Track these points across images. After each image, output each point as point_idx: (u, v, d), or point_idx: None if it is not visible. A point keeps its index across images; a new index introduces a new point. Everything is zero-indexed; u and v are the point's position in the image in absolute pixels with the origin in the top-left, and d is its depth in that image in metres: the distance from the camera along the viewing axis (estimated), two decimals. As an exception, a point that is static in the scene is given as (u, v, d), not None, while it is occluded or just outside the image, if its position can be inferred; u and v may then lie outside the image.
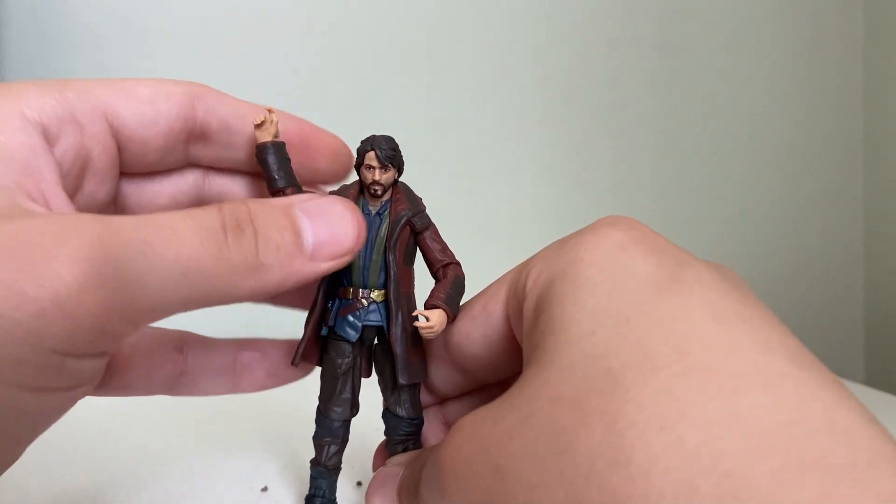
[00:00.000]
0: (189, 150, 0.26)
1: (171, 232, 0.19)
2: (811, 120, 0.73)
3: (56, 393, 0.18)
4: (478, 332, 0.25)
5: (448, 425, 0.29)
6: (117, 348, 0.19)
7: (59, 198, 0.21)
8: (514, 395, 0.19)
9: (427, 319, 0.24)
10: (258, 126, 0.25)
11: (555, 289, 0.21)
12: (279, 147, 0.25)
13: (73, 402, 0.19)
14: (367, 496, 0.25)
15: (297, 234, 0.22)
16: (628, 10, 0.70)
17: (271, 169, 0.25)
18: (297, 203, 0.22)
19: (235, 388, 0.28)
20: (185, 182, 0.27)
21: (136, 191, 0.26)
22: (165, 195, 0.27)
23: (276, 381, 0.28)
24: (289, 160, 0.25)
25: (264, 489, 0.32)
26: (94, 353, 0.18)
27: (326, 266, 0.22)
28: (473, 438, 0.19)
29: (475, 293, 0.26)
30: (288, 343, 0.29)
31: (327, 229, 0.22)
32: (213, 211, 0.20)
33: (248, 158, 0.27)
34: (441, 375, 0.27)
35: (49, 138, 0.22)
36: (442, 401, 0.29)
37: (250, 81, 0.65)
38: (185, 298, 0.19)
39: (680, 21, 0.71)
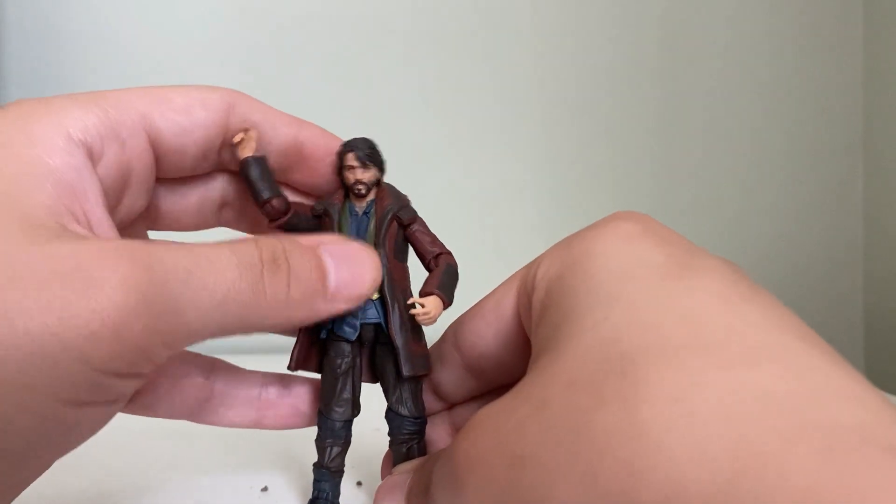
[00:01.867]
0: (220, 155, 0.26)
1: (212, 263, 0.20)
2: (811, 120, 0.73)
3: (94, 408, 0.19)
4: (490, 329, 0.25)
5: (456, 430, 0.29)
6: (153, 370, 0.20)
7: (101, 220, 0.21)
8: (528, 385, 0.19)
9: (423, 306, 0.24)
10: (237, 144, 0.25)
11: (565, 280, 0.21)
12: (261, 161, 0.26)
13: (108, 417, 0.20)
14: (376, 500, 0.25)
15: (323, 274, 0.23)
16: (628, 10, 0.70)
17: (255, 182, 0.25)
18: (324, 244, 0.24)
19: (258, 424, 0.28)
20: (213, 188, 0.28)
21: (166, 195, 0.27)
22: (194, 200, 0.28)
23: (300, 421, 0.28)
24: (271, 172, 0.26)
25: (264, 489, 0.32)
26: (133, 374, 0.19)
27: (343, 307, 0.24)
28: (489, 431, 0.19)
29: (472, 297, 0.26)
30: (315, 381, 0.28)
31: (348, 272, 0.24)
32: (251, 245, 0.21)
33: (276, 168, 0.27)
34: (451, 378, 0.27)
35: (93, 157, 0.22)
36: (450, 406, 0.29)
37: (248, 88, 0.65)
38: (219, 326, 0.20)
39: (679, 22, 0.71)
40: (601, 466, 0.16)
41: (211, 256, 0.20)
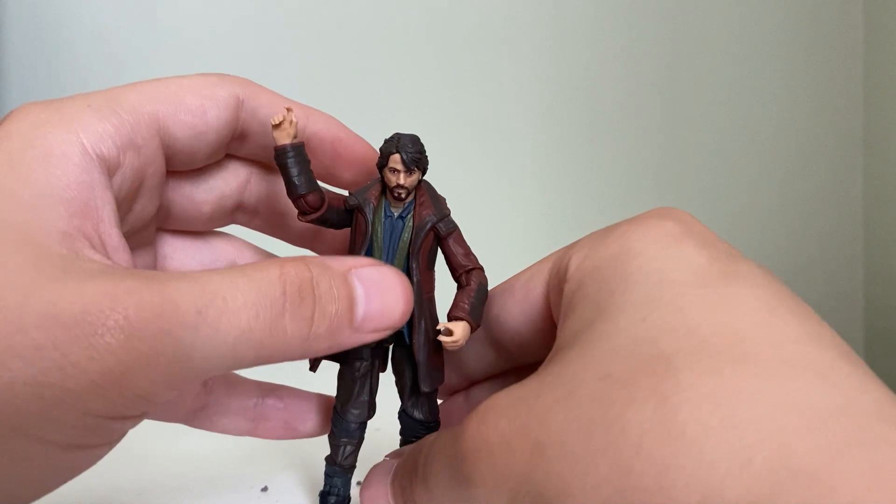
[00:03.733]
0: (229, 146, 0.26)
1: (227, 302, 0.18)
2: (811, 120, 0.73)
3: (90, 450, 0.19)
4: (518, 308, 0.25)
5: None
6: (154, 409, 0.19)
7: (115, 240, 0.21)
8: (554, 374, 0.19)
9: (451, 333, 0.24)
10: (276, 126, 0.24)
11: (602, 275, 0.21)
12: (298, 149, 0.24)
13: (102, 456, 0.20)
14: (361, 489, 0.25)
15: (351, 305, 0.21)
16: (631, 11, 0.70)
17: (291, 174, 0.24)
18: (356, 269, 0.22)
19: (251, 433, 0.28)
20: (229, 185, 0.27)
21: (181, 198, 0.26)
22: (211, 200, 0.27)
23: (293, 434, 0.28)
24: (308, 161, 0.24)
25: (264, 489, 0.32)
26: (134, 416, 0.19)
27: (369, 337, 0.22)
28: (510, 415, 0.19)
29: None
30: (310, 395, 0.29)
31: (379, 302, 0.22)
32: (274, 275, 0.20)
33: None
34: (474, 352, 0.27)
35: (109, 169, 0.21)
36: (469, 385, 0.28)
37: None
38: (230, 366, 0.19)
39: (681, 22, 0.71)
40: (635, 462, 0.15)
41: (226, 294, 0.19)
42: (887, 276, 0.71)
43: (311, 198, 0.24)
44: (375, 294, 0.22)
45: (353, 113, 0.65)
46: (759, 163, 0.73)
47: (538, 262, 0.25)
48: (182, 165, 0.25)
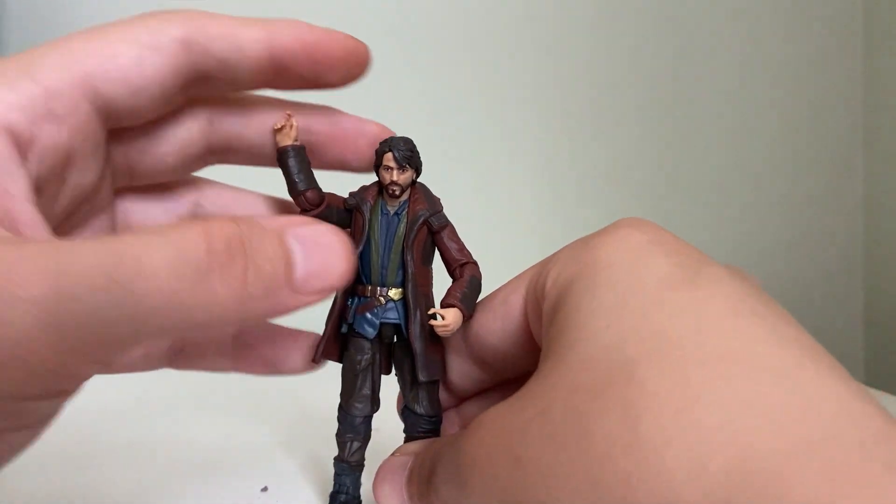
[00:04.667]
0: (188, 92, 0.23)
1: (140, 262, 0.16)
2: (811, 120, 0.73)
3: (11, 433, 0.18)
4: (497, 324, 0.25)
5: (465, 426, 0.29)
6: (80, 386, 0.18)
7: (27, 215, 0.19)
8: (532, 389, 0.19)
9: (443, 318, 0.24)
10: (278, 130, 0.25)
11: (573, 288, 0.21)
12: (299, 151, 0.25)
13: (29, 441, 0.18)
14: (375, 485, 0.25)
15: (288, 264, 0.19)
16: (631, 12, 0.70)
17: (292, 172, 0.25)
18: (292, 228, 0.20)
19: (235, 369, 0.27)
20: (191, 132, 0.25)
21: (140, 155, 0.24)
22: (173, 151, 0.25)
23: (275, 370, 0.27)
24: (308, 162, 0.26)
25: (264, 489, 0.32)
26: (55, 393, 0.17)
27: (310, 300, 0.20)
28: (493, 431, 0.19)
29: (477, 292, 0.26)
30: (294, 332, 0.28)
31: (319, 261, 0.20)
32: (197, 233, 0.18)
33: (253, 84, 0.24)
34: (458, 370, 0.27)
35: (21, 144, 0.19)
36: (459, 402, 0.29)
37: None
38: (158, 332, 0.18)
39: (680, 23, 0.71)
40: (601, 474, 0.16)
41: (138, 253, 0.17)
42: (887, 276, 0.71)
43: (310, 194, 0.25)
44: (315, 253, 0.20)
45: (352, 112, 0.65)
46: (759, 163, 0.73)
47: (515, 278, 0.26)
48: (129, 123, 0.23)
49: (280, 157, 0.25)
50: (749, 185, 0.73)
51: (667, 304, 0.18)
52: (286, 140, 0.25)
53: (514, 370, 0.27)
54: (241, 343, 0.27)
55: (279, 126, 0.25)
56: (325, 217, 0.26)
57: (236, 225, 0.19)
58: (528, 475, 0.17)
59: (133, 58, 0.21)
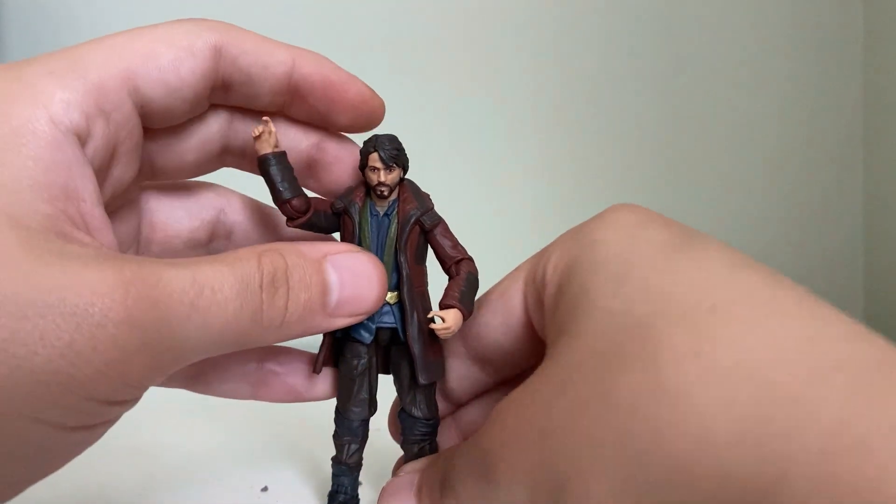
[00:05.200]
0: (211, 97, 0.25)
1: (215, 293, 0.19)
2: (811, 120, 0.73)
3: (91, 430, 0.19)
4: (497, 320, 0.25)
5: (462, 433, 0.29)
6: (142, 393, 0.20)
7: (97, 220, 0.20)
8: (548, 368, 0.20)
9: (443, 320, 0.24)
10: (256, 138, 0.24)
11: (574, 269, 0.21)
12: (280, 157, 0.25)
13: (101, 435, 0.20)
14: (382, 503, 0.25)
15: (324, 292, 0.22)
16: (631, 12, 0.70)
17: (275, 181, 0.25)
18: (330, 256, 0.23)
19: (254, 397, 0.28)
20: (211, 130, 0.26)
21: (161, 149, 0.25)
22: (193, 148, 0.26)
23: (297, 397, 0.28)
24: (291, 169, 0.25)
25: (264, 489, 0.32)
26: (131, 400, 0.19)
27: (341, 323, 0.23)
28: (516, 412, 0.20)
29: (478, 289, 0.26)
30: (311, 357, 0.28)
31: (353, 288, 0.23)
32: (252, 264, 0.20)
33: (270, 104, 0.25)
34: (457, 373, 0.27)
35: (81, 140, 0.20)
36: (455, 408, 0.29)
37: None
38: (213, 350, 0.20)
39: (679, 22, 0.71)
40: (630, 425, 0.16)
41: (213, 283, 0.19)
42: (887, 276, 0.71)
43: (296, 202, 0.25)
44: (350, 280, 0.23)
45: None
46: (759, 164, 0.73)
47: (511, 273, 0.26)
48: (159, 124, 0.24)
49: (261, 165, 0.24)
50: (749, 184, 0.73)
51: (668, 266, 0.19)
52: (266, 147, 0.24)
53: (515, 367, 0.27)
54: (266, 371, 0.27)
55: (258, 133, 0.24)
56: (312, 223, 0.25)
57: (282, 257, 0.21)
58: (557, 444, 0.18)
59: (171, 59, 0.22)
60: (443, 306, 0.24)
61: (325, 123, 0.26)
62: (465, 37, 0.68)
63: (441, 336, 0.24)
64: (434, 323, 0.24)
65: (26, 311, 0.16)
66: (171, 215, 0.27)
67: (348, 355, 0.26)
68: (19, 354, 0.16)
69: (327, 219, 0.26)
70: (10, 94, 0.19)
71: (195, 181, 0.28)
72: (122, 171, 0.23)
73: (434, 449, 0.27)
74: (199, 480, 0.33)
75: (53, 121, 0.19)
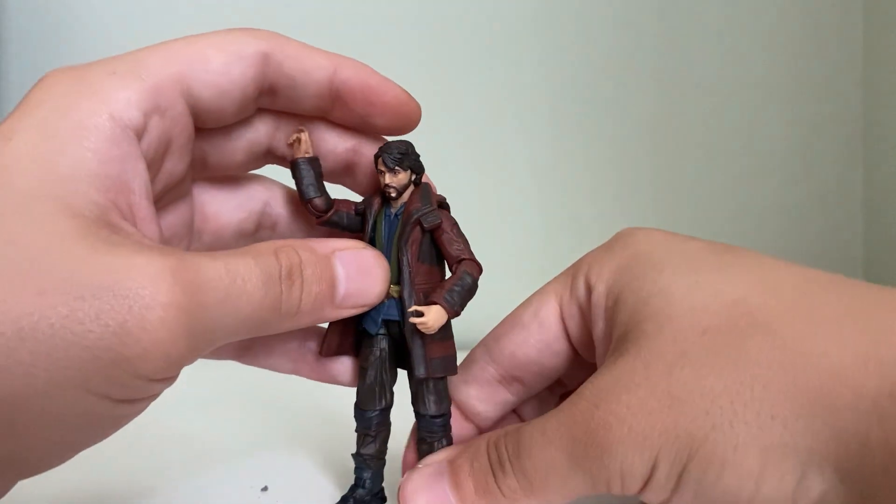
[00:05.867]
0: (258, 101, 0.26)
1: (245, 282, 0.21)
2: (811, 120, 0.73)
3: (136, 403, 0.21)
4: (533, 338, 0.28)
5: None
6: (179, 373, 0.22)
7: (144, 211, 0.22)
8: (648, 347, 0.22)
9: (422, 315, 0.25)
10: (290, 145, 0.27)
11: (629, 275, 0.24)
12: (309, 162, 0.27)
13: (144, 408, 0.22)
14: (406, 499, 0.25)
15: (333, 285, 0.24)
16: (630, 12, 0.70)
17: (302, 182, 0.27)
18: (338, 252, 0.25)
19: (294, 372, 0.30)
20: (258, 133, 0.28)
21: (211, 147, 0.27)
22: (240, 147, 0.28)
23: (331, 378, 0.30)
24: (319, 173, 0.27)
25: (264, 489, 0.32)
26: (171, 377, 0.21)
27: (347, 313, 0.25)
28: (629, 388, 0.22)
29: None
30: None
31: (358, 282, 0.25)
32: (272, 258, 0.23)
33: (313, 108, 0.27)
34: (486, 397, 0.29)
35: (137, 135, 0.22)
36: (479, 433, 0.29)
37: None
38: (238, 335, 0.22)
39: (679, 21, 0.71)
40: (768, 374, 0.20)
41: (243, 274, 0.21)
42: (887, 276, 0.71)
43: (317, 202, 0.27)
44: (355, 274, 0.25)
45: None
46: (759, 163, 0.73)
47: (536, 294, 0.28)
48: (211, 124, 0.26)
49: (293, 169, 0.27)
50: (749, 184, 0.73)
51: (728, 261, 0.23)
52: (299, 153, 0.27)
53: (545, 381, 0.29)
54: (306, 349, 0.29)
55: (292, 140, 0.27)
56: (334, 223, 0.28)
57: (296, 252, 0.23)
58: (692, 406, 0.20)
59: (222, 63, 0.24)
60: (428, 302, 0.26)
61: (364, 126, 0.28)
62: (468, 39, 0.68)
63: (422, 330, 0.25)
64: (414, 317, 0.25)
65: (83, 292, 0.18)
66: (222, 207, 0.29)
67: (364, 347, 0.28)
68: (76, 331, 0.18)
69: (350, 218, 0.28)
70: (74, 92, 0.21)
71: (240, 178, 0.30)
72: (174, 165, 0.25)
73: (449, 443, 0.28)
74: (200, 479, 0.33)
75: (113, 117, 0.21)
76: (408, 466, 0.29)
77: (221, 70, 0.24)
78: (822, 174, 0.74)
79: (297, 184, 0.27)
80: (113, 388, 0.19)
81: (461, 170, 0.67)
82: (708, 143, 0.72)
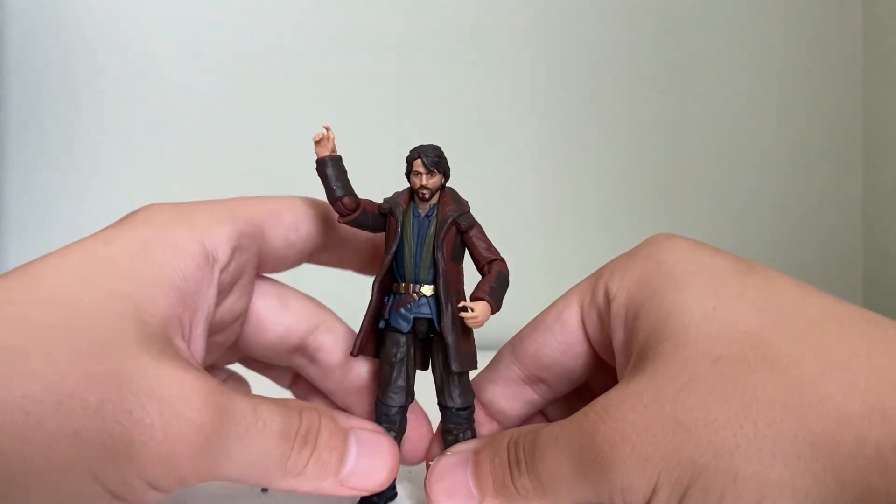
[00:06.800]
0: (311, 257, 0.31)
1: (265, 425, 0.23)
2: (811, 120, 0.73)
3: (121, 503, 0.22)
4: (555, 339, 0.28)
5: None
6: (170, 493, 0.22)
7: (198, 330, 0.25)
8: (662, 369, 0.22)
9: (472, 310, 0.26)
10: (317, 143, 0.27)
11: (650, 289, 0.24)
12: (337, 161, 0.28)
13: None
14: (430, 484, 0.26)
15: (341, 459, 0.25)
16: (631, 13, 0.70)
17: (330, 180, 0.27)
18: (356, 429, 0.26)
19: (292, 386, 0.34)
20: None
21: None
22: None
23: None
24: (345, 172, 0.28)
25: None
26: (163, 490, 0.22)
27: (346, 493, 0.26)
28: (637, 408, 0.22)
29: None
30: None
31: (367, 463, 0.26)
32: (295, 414, 0.24)
33: (353, 264, 0.32)
34: (511, 395, 0.29)
35: (219, 268, 0.25)
36: (501, 429, 0.30)
37: (247, 87, 0.65)
38: (238, 476, 0.23)
39: (680, 23, 0.71)
40: (772, 413, 0.20)
41: (266, 418, 0.23)
42: (887, 276, 0.71)
43: (346, 200, 0.27)
44: (366, 456, 0.26)
45: (353, 115, 0.66)
46: (759, 163, 0.73)
47: (562, 297, 0.29)
48: (271, 269, 0.29)
49: (319, 167, 0.27)
50: (749, 185, 0.73)
51: (748, 285, 0.23)
52: (324, 151, 0.27)
53: (570, 383, 0.29)
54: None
55: (318, 139, 0.27)
56: (360, 222, 0.28)
57: (318, 417, 0.25)
58: (696, 434, 0.20)
59: (292, 220, 0.29)
60: (473, 298, 0.27)
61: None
62: (469, 40, 0.68)
63: (470, 325, 0.26)
64: (465, 312, 0.26)
65: (125, 386, 0.20)
66: (274, 321, 0.30)
67: (388, 344, 0.28)
68: (106, 417, 0.19)
69: (374, 219, 0.28)
70: (179, 220, 0.25)
71: (301, 297, 0.31)
72: (236, 302, 0.28)
73: (473, 435, 0.29)
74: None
75: (206, 247, 0.25)
76: (430, 458, 0.30)
77: (292, 226, 0.29)
78: (822, 174, 0.74)
79: (324, 183, 0.27)
80: (115, 482, 0.20)
81: (467, 176, 0.67)
82: (708, 144, 0.72)
